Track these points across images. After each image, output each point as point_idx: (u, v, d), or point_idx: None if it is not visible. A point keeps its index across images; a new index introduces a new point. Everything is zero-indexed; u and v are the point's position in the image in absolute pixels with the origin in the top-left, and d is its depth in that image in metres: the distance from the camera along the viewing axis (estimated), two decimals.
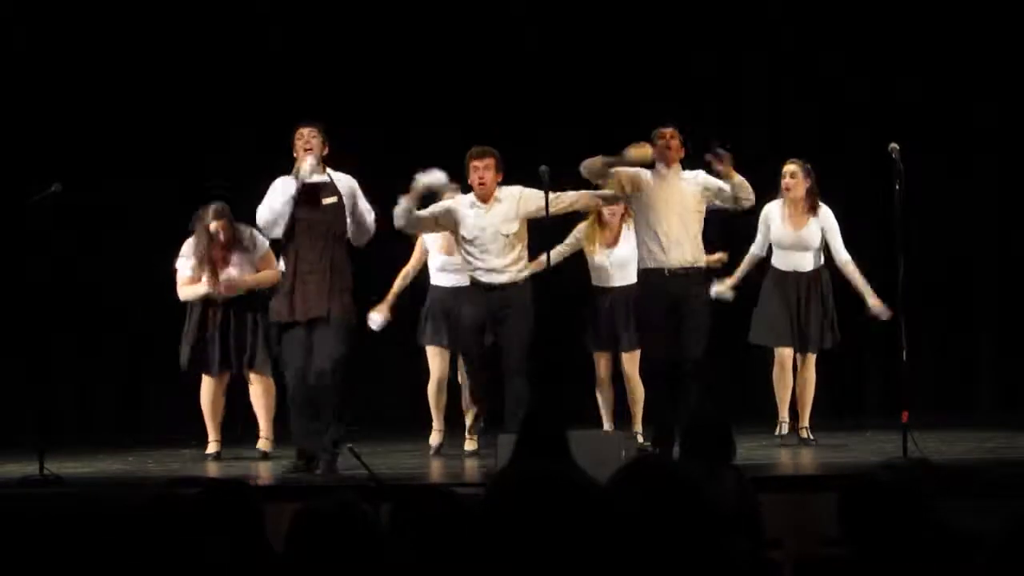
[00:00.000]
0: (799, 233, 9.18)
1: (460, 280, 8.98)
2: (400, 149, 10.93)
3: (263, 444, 9.51)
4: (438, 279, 9.43)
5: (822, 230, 9.17)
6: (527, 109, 11.50)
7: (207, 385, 9.56)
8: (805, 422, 9.23)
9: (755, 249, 9.35)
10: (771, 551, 5.30)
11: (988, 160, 11.43)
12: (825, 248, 9.22)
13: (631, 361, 9.33)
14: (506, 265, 8.41)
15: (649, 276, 8.42)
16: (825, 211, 9.20)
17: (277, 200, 8.31)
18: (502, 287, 8.39)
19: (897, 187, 7.99)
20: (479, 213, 8.42)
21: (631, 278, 9.02)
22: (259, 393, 9.51)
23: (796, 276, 9.19)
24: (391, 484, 6.80)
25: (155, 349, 11.59)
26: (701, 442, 5.78)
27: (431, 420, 9.57)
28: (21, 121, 11.74)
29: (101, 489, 8.00)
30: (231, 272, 9.31)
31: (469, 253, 8.45)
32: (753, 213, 9.02)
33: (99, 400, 11.90)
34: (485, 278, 8.42)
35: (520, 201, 8.42)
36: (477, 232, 8.41)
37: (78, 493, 7.74)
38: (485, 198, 8.43)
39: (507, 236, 8.39)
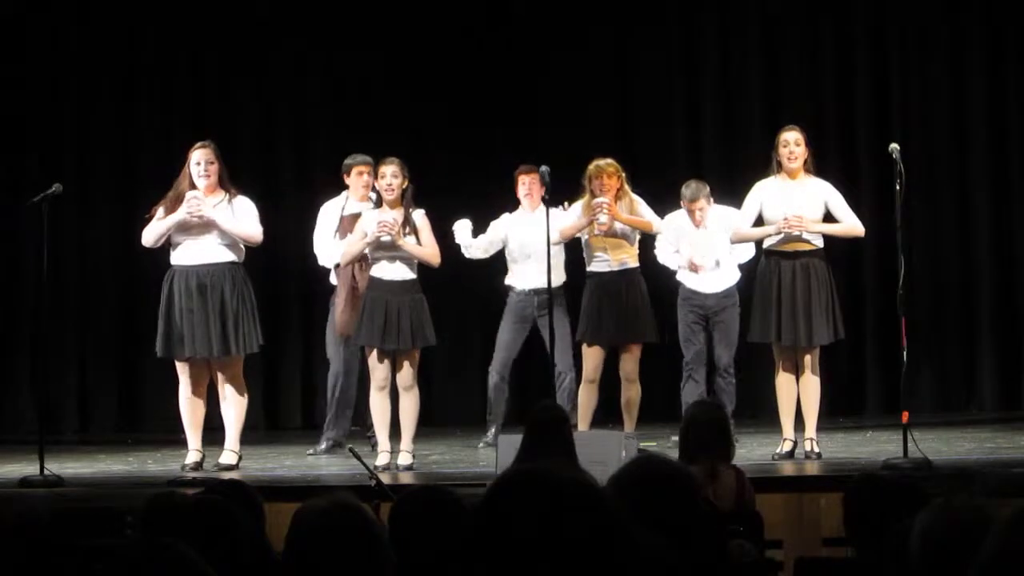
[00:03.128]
0: (800, 206, 8.32)
1: (406, 274, 8.45)
2: (400, 150, 10.92)
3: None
4: (376, 270, 8.51)
5: (825, 204, 8.41)
6: (527, 109, 11.51)
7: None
8: (811, 433, 8.41)
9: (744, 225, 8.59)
10: (771, 551, 5.31)
11: (986, 159, 11.42)
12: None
13: (630, 357, 8.82)
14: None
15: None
16: (824, 182, 8.54)
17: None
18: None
19: (897, 187, 7.98)
20: None
21: (630, 262, 8.85)
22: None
23: (792, 257, 8.36)
24: (391, 484, 6.78)
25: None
26: (701, 442, 5.78)
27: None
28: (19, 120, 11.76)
29: (101, 489, 7.99)
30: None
31: None
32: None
33: (99, 400, 11.89)
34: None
35: None
36: None
37: (78, 493, 7.74)
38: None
39: None
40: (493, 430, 9.56)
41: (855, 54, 11.54)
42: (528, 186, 9.55)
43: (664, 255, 9.44)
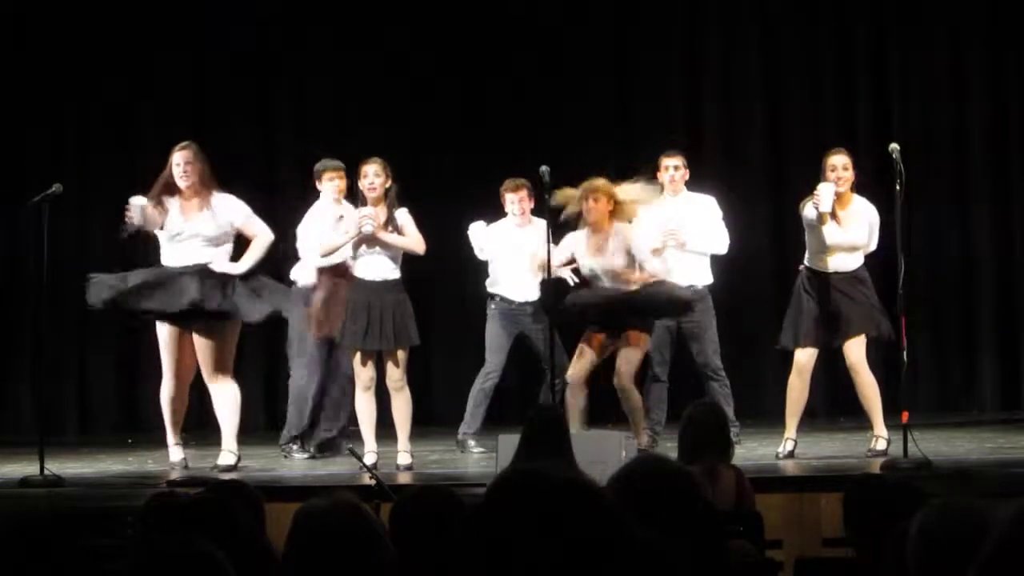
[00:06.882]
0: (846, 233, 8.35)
1: (389, 273, 8.36)
2: (401, 150, 10.93)
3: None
4: (359, 270, 8.42)
5: (869, 225, 8.41)
6: (526, 109, 11.51)
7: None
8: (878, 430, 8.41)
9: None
10: (771, 551, 5.31)
11: (987, 159, 11.42)
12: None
13: (625, 362, 8.57)
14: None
15: None
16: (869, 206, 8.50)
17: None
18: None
19: (897, 187, 7.98)
20: None
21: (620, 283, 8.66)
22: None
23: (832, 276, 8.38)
24: (391, 484, 6.79)
25: (155, 347, 11.61)
26: (701, 442, 5.79)
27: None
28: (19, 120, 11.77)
29: (101, 489, 7.99)
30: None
31: None
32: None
33: (99, 400, 11.89)
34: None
35: None
36: None
37: (78, 493, 7.74)
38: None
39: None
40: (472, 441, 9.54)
41: (855, 54, 11.54)
42: (519, 204, 9.44)
43: None
